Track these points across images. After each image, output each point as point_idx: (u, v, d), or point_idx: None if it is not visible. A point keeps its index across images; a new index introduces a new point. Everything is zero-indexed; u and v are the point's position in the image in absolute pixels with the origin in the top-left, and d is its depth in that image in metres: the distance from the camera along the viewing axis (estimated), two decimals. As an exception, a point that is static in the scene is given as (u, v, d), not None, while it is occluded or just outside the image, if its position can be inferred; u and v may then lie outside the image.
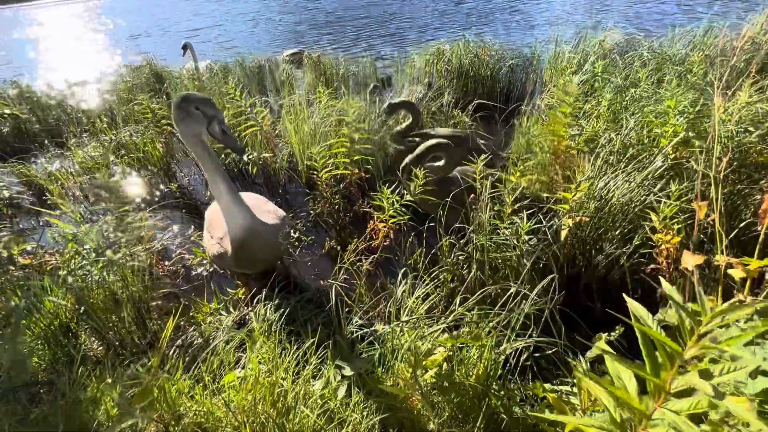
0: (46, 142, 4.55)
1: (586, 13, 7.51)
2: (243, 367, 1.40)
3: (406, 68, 4.89)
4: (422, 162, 2.42)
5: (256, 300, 1.80)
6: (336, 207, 2.81)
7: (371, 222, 2.05)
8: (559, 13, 7.90)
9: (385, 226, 1.95)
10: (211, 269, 2.60)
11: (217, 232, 2.05)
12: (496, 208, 1.89)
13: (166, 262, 2.69)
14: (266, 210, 2.10)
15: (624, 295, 0.99)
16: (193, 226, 3.10)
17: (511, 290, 1.35)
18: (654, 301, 1.76)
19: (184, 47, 5.23)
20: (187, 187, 3.48)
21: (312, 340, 1.39)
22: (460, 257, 1.79)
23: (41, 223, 3.42)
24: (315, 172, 2.78)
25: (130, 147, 3.55)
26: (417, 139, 2.94)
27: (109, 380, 1.41)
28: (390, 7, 11.32)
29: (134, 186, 3.43)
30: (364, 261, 2.10)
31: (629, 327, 1.50)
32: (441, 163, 2.43)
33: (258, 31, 11.17)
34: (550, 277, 1.34)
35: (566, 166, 2.35)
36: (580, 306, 1.93)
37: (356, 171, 2.57)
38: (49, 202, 3.62)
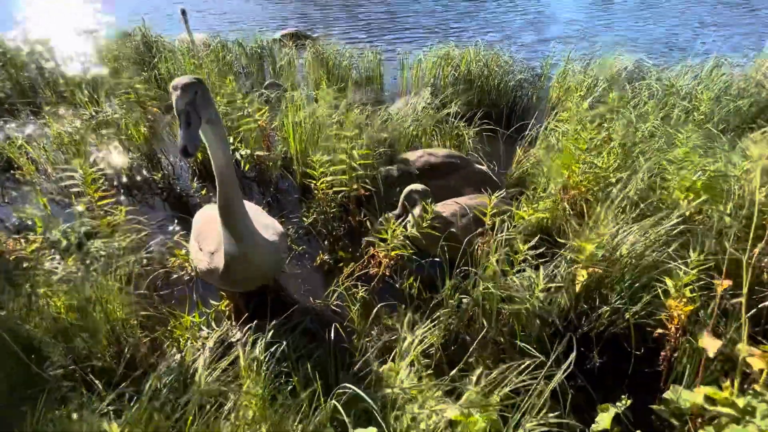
0: (18, 106, 4.19)
1: (599, 32, 7.45)
2: (227, 415, 1.29)
3: (412, 69, 4.73)
4: (408, 209, 2.31)
5: (246, 330, 1.67)
6: (331, 216, 2.68)
7: (371, 248, 1.94)
8: (573, 29, 7.82)
9: (386, 256, 1.84)
10: (193, 273, 2.44)
11: (208, 244, 1.88)
12: (503, 249, 1.81)
13: (144, 260, 2.51)
14: (264, 224, 1.95)
15: None
16: (176, 220, 2.91)
17: (526, 362, 1.28)
18: (656, 362, 1.73)
19: (183, 12, 4.88)
20: (172, 176, 3.26)
21: (306, 393, 1.29)
22: (464, 300, 1.70)
23: (6, 199, 3.15)
24: (312, 180, 2.63)
25: (111, 126, 3.29)
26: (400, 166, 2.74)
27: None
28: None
29: (113, 171, 3.19)
30: (359, 287, 1.99)
31: (635, 396, 1.46)
32: (417, 209, 2.30)
33: (256, 4, 10.62)
34: (571, 358, 1.27)
35: (576, 203, 2.29)
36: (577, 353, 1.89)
37: (354, 186, 2.44)
38: (16, 175, 3.34)
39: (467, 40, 5.41)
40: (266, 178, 3.27)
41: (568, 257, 1.84)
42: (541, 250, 1.81)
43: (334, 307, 2.06)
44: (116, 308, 1.74)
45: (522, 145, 3.37)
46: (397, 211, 2.28)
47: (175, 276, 2.43)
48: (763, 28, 7.81)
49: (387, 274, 1.91)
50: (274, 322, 1.65)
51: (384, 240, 1.89)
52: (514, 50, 5.02)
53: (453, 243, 2.03)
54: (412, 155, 2.82)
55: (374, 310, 1.94)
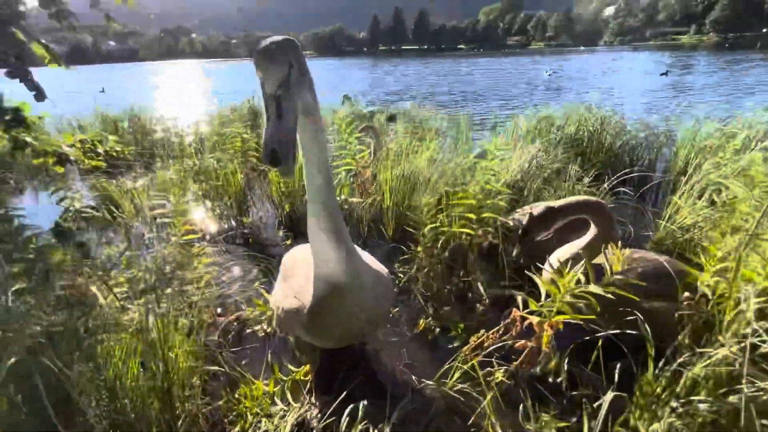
0: (134, 160, 4.60)
1: (730, 97, 6.79)
2: None
3: (508, 129, 4.45)
4: (549, 225, 1.71)
5: (332, 413, 1.14)
6: (437, 274, 2.18)
7: (514, 311, 1.36)
8: (697, 97, 7.25)
9: (544, 323, 1.25)
10: (269, 329, 2.02)
11: (296, 278, 1.49)
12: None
13: (218, 310, 2.18)
14: (367, 258, 1.53)
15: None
16: (255, 270, 2.62)
17: None
18: None
19: None
20: (259, 224, 3.09)
21: None
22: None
23: (102, 239, 3.17)
24: (414, 229, 2.22)
25: (210, 173, 3.32)
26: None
27: None
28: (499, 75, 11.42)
29: (204, 213, 3.12)
30: (495, 366, 1.38)
31: None
32: (591, 233, 1.71)
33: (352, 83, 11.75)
34: None
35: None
36: None
37: (480, 234, 1.94)
38: (117, 218, 3.44)
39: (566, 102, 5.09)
40: (355, 230, 2.95)
41: None
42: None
43: (453, 392, 1.45)
44: (179, 358, 1.34)
45: (664, 206, 2.72)
46: (542, 212, 1.67)
47: (249, 331, 2.03)
48: None
49: (547, 349, 1.29)
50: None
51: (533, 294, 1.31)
52: (625, 112, 4.54)
53: (628, 309, 1.39)
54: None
55: (521, 405, 1.30)
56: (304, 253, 1.67)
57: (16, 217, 2.63)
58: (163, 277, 2.14)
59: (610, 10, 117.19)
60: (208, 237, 3.05)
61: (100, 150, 3.01)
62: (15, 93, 2.29)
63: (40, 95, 1.91)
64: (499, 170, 2.78)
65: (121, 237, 3.10)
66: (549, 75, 16.05)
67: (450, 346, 1.82)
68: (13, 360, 0.99)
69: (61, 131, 5.47)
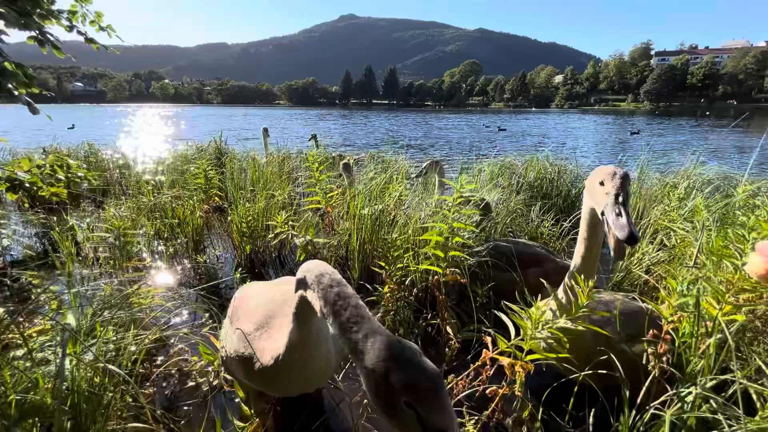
0: (82, 197, 4.31)
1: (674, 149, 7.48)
2: None
3: (471, 177, 4.61)
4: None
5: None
6: (404, 316, 2.07)
7: (484, 353, 1.28)
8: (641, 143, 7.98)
9: (516, 364, 1.17)
10: (214, 382, 1.80)
11: (245, 322, 1.34)
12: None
13: (159, 359, 1.93)
14: None
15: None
16: (207, 314, 2.40)
17: None
18: None
19: (265, 130, 5.51)
20: (216, 265, 2.89)
21: None
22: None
23: (35, 280, 2.82)
24: (381, 268, 2.14)
25: (166, 211, 3.13)
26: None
27: None
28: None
29: (156, 252, 2.89)
30: (466, 418, 1.26)
31: None
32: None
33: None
34: None
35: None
36: None
37: (448, 273, 1.87)
38: (54, 260, 3.11)
39: (526, 153, 5.40)
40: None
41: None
42: None
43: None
44: (95, 416, 1.13)
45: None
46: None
47: (191, 384, 1.80)
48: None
49: (520, 394, 1.20)
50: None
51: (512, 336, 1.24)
52: (579, 162, 4.86)
53: (601, 349, 1.35)
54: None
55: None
56: (259, 291, 1.54)
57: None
58: (97, 321, 1.91)
59: (559, 78, 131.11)
60: (157, 277, 2.80)
61: (61, 176, 2.65)
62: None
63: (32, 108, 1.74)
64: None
65: (57, 278, 2.79)
66: (492, 128, 17.39)
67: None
68: None
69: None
